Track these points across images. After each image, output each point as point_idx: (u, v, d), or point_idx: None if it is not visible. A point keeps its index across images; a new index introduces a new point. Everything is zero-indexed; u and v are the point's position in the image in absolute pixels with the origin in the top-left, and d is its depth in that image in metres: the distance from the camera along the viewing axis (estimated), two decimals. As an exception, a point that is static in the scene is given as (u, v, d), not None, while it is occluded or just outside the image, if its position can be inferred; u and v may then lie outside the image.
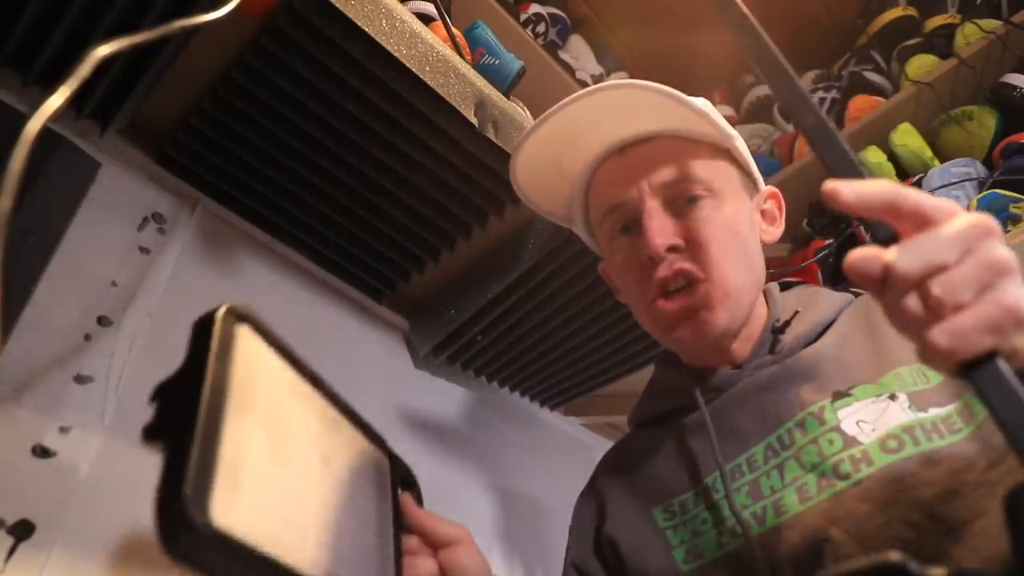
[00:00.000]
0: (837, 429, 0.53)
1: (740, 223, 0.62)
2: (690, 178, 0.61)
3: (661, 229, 0.59)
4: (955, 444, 0.48)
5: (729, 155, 0.65)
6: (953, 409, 0.50)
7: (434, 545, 0.57)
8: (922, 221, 0.35)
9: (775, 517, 0.52)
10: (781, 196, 0.69)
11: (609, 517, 0.66)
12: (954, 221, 0.35)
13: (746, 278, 0.61)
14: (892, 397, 0.53)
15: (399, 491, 0.55)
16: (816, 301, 0.65)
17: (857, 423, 0.52)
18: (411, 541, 0.56)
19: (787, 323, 0.63)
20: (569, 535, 0.76)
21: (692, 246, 0.59)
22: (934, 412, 0.51)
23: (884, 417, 0.52)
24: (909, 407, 0.52)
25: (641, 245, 0.60)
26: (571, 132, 0.64)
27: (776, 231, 0.67)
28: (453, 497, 1.18)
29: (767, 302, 0.67)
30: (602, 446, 1.62)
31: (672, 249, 0.59)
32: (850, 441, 0.51)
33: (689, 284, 0.58)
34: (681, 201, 0.60)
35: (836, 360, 0.58)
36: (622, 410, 1.49)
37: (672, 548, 0.58)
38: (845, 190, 0.35)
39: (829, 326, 0.62)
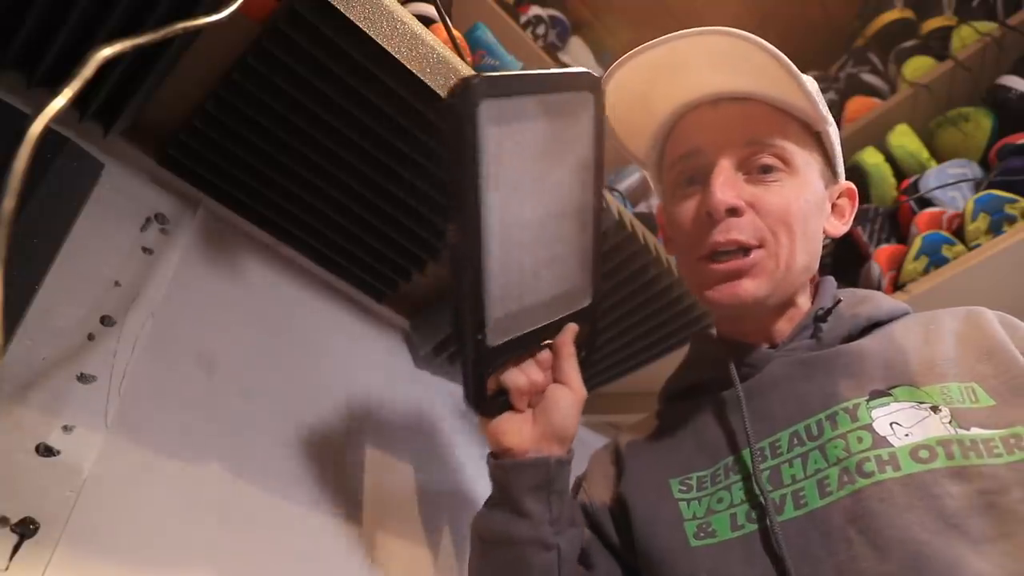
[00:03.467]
0: (869, 428, 0.51)
1: (807, 205, 0.60)
2: (771, 147, 0.60)
3: (726, 187, 0.58)
4: (992, 466, 0.46)
5: (819, 140, 0.64)
6: (998, 434, 0.48)
7: (556, 376, 0.60)
8: None
9: (794, 509, 0.51)
10: (857, 195, 0.69)
11: (625, 477, 0.65)
12: None
13: (799, 260, 0.60)
14: (935, 409, 0.51)
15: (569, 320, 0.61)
16: (869, 300, 0.64)
17: (891, 424, 0.51)
18: (544, 353, 0.59)
19: (829, 311, 0.62)
20: (581, 480, 0.74)
21: (753, 213, 0.59)
22: (976, 432, 0.48)
23: (921, 426, 0.50)
24: (950, 423, 0.49)
25: (704, 198, 0.60)
26: (670, 67, 0.63)
27: (842, 227, 0.67)
28: (453, 497, 1.18)
29: (818, 291, 0.66)
30: (602, 445, 1.63)
31: (732, 211, 0.58)
32: (880, 441, 0.50)
33: (740, 251, 0.59)
34: (755, 167, 0.60)
35: (880, 360, 0.56)
36: (622, 410, 1.49)
37: (684, 520, 0.57)
38: None
39: (877, 327, 0.61)
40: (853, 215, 0.68)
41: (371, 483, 1.04)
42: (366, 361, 1.15)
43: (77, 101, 0.48)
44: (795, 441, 0.54)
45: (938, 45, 1.36)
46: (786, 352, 0.61)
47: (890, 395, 0.53)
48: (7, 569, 0.64)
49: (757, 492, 0.53)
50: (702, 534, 0.55)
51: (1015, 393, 0.50)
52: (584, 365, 0.64)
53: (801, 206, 0.60)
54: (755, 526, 0.52)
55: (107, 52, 0.51)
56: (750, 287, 0.59)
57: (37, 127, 0.46)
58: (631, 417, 1.56)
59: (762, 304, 0.60)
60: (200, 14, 0.64)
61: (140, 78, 0.80)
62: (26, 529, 0.66)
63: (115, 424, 0.77)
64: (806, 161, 0.63)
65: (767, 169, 0.60)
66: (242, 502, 0.86)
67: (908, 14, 1.54)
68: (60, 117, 0.47)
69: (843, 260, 1.24)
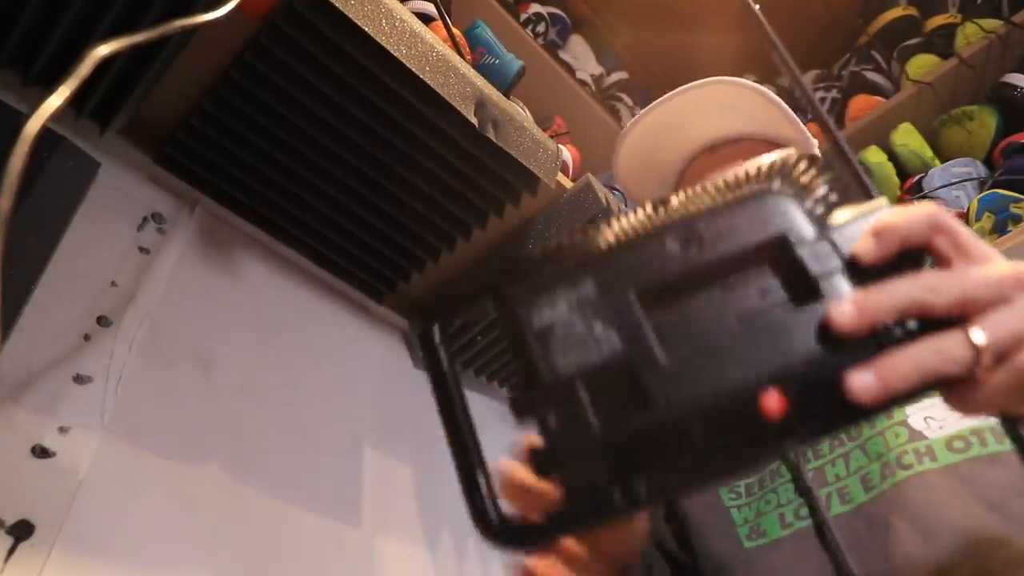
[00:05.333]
0: (904, 423, 0.54)
1: None
2: None
3: None
4: None
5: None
6: None
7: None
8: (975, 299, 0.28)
9: (840, 504, 0.53)
10: None
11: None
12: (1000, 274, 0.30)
13: None
14: None
15: None
16: None
17: (925, 419, 0.53)
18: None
19: None
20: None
21: None
22: None
23: (953, 417, 0.52)
24: None
25: None
26: (668, 127, 0.70)
27: None
28: (453, 498, 1.18)
29: None
30: (602, 446, 1.62)
31: None
32: (916, 435, 0.52)
33: None
34: None
35: None
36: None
37: (736, 526, 0.59)
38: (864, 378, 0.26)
39: None
40: None
41: (370, 483, 1.03)
42: (365, 361, 1.15)
43: (73, 99, 0.47)
44: (835, 443, 0.57)
45: (942, 43, 1.35)
46: None
47: None
48: (3, 572, 0.63)
49: (793, 496, 0.56)
50: (754, 535, 0.57)
51: None
52: None
53: None
54: (804, 522, 0.54)
55: (104, 50, 0.51)
56: None
57: (34, 126, 0.45)
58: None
59: None
60: (197, 12, 0.63)
61: (137, 76, 0.79)
62: (22, 531, 0.66)
63: (111, 425, 0.76)
64: None
65: None
66: (239, 503, 0.85)
67: (912, 11, 1.53)
68: (56, 116, 0.46)
69: (845, 260, 1.24)
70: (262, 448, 0.91)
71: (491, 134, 0.88)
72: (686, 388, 0.27)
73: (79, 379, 0.76)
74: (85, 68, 0.49)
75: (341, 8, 0.72)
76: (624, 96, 1.64)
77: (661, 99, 0.69)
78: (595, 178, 0.99)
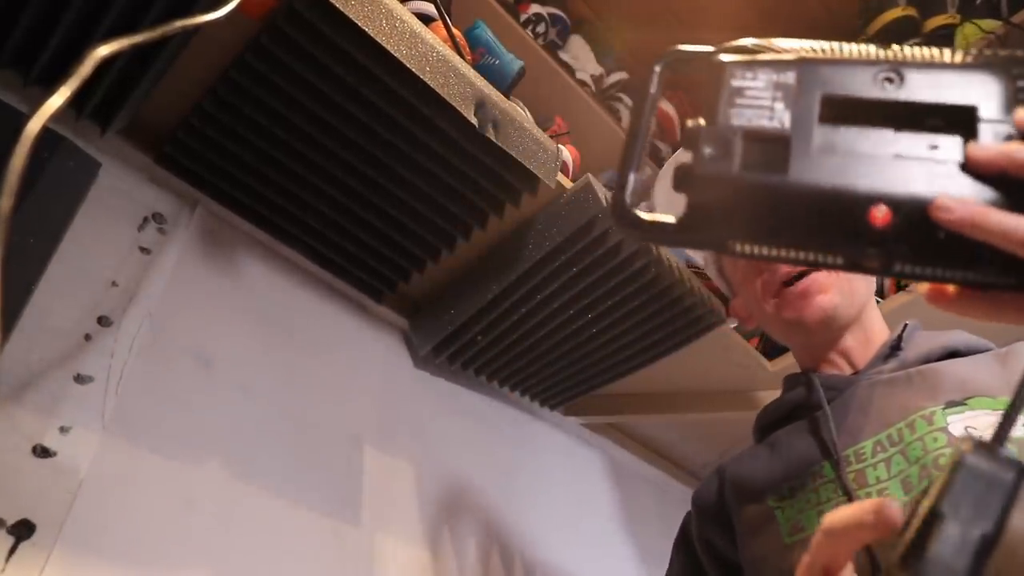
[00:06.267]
0: (944, 430, 0.55)
1: None
2: None
3: None
4: None
5: None
6: None
7: None
8: None
9: None
10: None
11: (728, 489, 0.72)
12: None
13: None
14: None
15: None
16: (951, 333, 0.69)
17: (965, 428, 0.55)
18: None
19: (900, 336, 0.69)
20: (688, 521, 0.80)
21: None
22: None
23: (993, 429, 0.52)
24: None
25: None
26: None
27: None
28: (453, 497, 1.18)
29: (891, 327, 0.73)
30: (602, 446, 1.62)
31: None
32: (953, 441, 0.54)
33: (804, 273, 0.67)
34: None
35: (957, 377, 0.61)
36: (622, 410, 1.49)
37: (780, 525, 0.63)
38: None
39: (956, 355, 0.66)
40: None
41: (370, 483, 1.03)
42: (365, 361, 1.15)
43: (74, 100, 0.47)
44: (878, 449, 0.59)
45: (941, 43, 1.35)
46: (869, 376, 0.66)
47: (965, 404, 0.57)
48: (3, 572, 0.64)
49: (832, 495, 0.59)
50: (794, 531, 0.61)
51: None
52: None
53: None
54: None
55: (105, 51, 0.51)
56: (825, 299, 0.66)
57: (34, 126, 0.45)
58: (631, 418, 1.56)
59: (840, 315, 0.67)
60: (198, 12, 0.63)
61: (138, 77, 0.79)
62: (22, 531, 0.66)
63: (112, 425, 0.76)
64: None
65: None
66: (240, 503, 0.85)
67: (911, 12, 1.53)
68: (57, 116, 0.46)
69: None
70: (262, 448, 0.91)
71: (491, 134, 0.88)
72: (821, 174, 0.31)
73: (79, 379, 0.76)
74: (86, 68, 0.49)
75: (341, 8, 0.72)
76: (624, 96, 1.64)
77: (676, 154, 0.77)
78: (595, 178, 0.99)
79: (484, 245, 1.08)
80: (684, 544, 0.78)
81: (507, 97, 0.97)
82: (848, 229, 0.30)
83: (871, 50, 0.34)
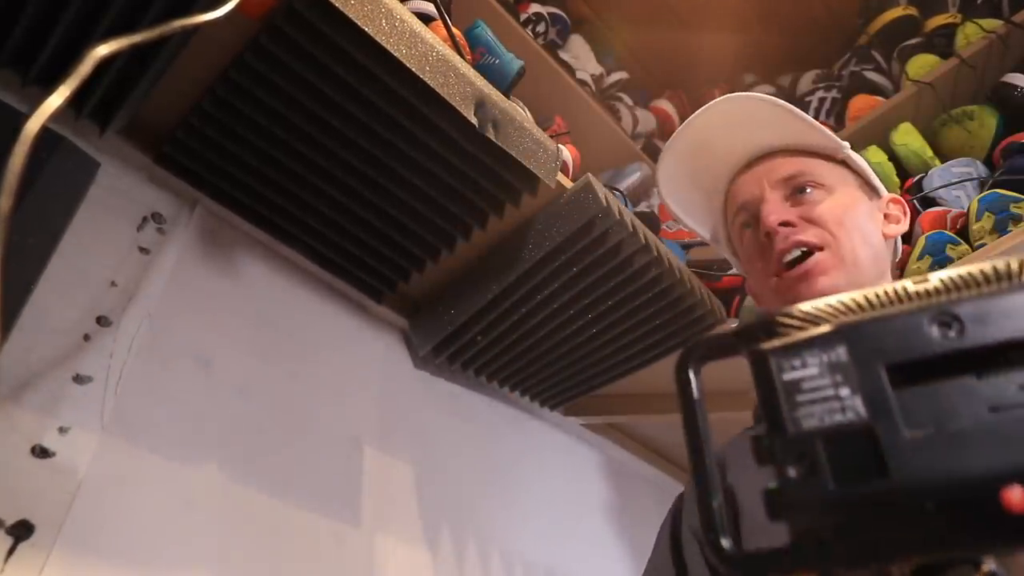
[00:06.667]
0: None
1: (854, 208, 0.69)
2: (803, 173, 0.70)
3: (774, 209, 0.67)
4: None
5: (845, 165, 0.73)
6: None
7: None
8: None
9: None
10: (903, 201, 0.76)
11: (731, 474, 0.68)
12: None
13: (862, 254, 0.66)
14: None
15: None
16: None
17: None
18: None
19: None
20: (678, 508, 0.75)
21: (806, 222, 0.66)
22: None
23: None
24: None
25: (760, 228, 0.68)
26: (703, 147, 0.74)
27: (900, 228, 0.74)
28: (453, 497, 1.18)
29: None
30: (602, 446, 1.62)
31: (785, 224, 0.66)
32: None
33: (806, 255, 0.65)
34: (795, 192, 0.69)
35: None
36: (622, 410, 1.49)
37: None
38: None
39: None
40: (908, 216, 0.75)
41: (370, 483, 1.03)
42: (365, 361, 1.15)
43: (73, 99, 0.47)
44: None
45: (942, 43, 1.34)
46: None
47: None
48: (3, 572, 0.63)
49: None
50: None
51: None
52: None
53: (849, 208, 0.68)
54: None
55: (104, 50, 0.51)
56: (826, 280, 0.64)
57: (34, 125, 0.45)
58: (631, 418, 1.55)
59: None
60: (197, 12, 0.63)
61: (137, 76, 0.79)
62: (22, 531, 0.66)
63: (111, 425, 0.76)
64: (841, 179, 0.71)
65: (803, 189, 0.69)
66: (239, 503, 0.85)
67: (912, 11, 1.53)
68: (56, 115, 0.46)
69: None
70: (262, 448, 0.91)
71: (491, 134, 0.88)
72: (926, 463, 0.27)
73: (79, 379, 0.76)
74: (85, 68, 0.49)
75: (341, 8, 0.72)
76: (624, 96, 1.64)
77: (692, 116, 0.74)
78: (595, 178, 0.99)
79: (484, 245, 1.08)
80: (672, 534, 0.73)
81: (507, 97, 0.97)
82: (983, 523, 0.26)
83: (908, 288, 0.30)
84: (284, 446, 0.94)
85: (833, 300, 0.31)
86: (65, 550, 0.68)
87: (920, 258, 1.05)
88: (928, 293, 0.30)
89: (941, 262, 1.03)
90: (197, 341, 0.90)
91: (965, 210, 1.07)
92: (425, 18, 0.94)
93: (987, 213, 1.02)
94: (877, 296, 0.31)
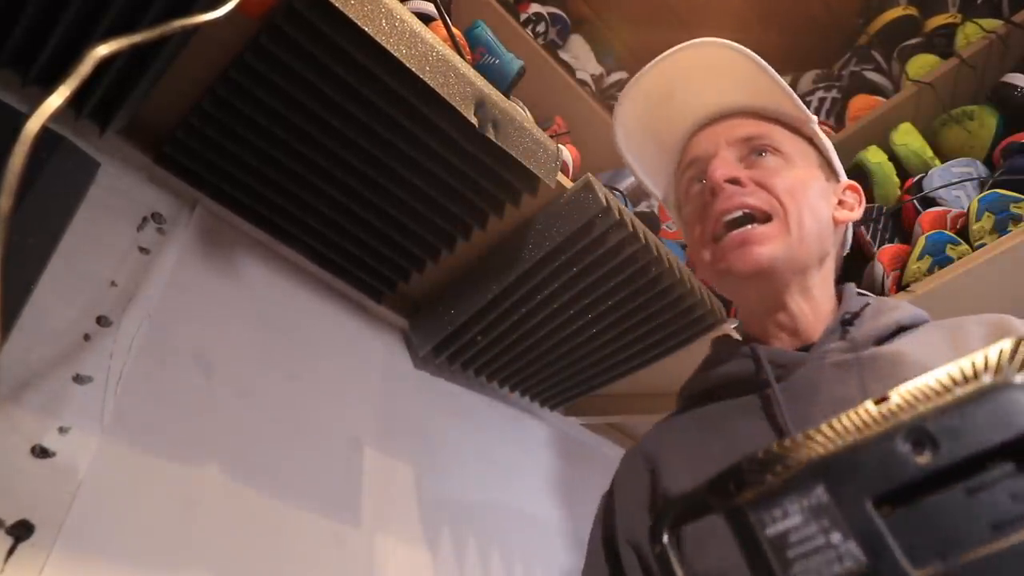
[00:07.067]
0: None
1: (807, 182, 0.64)
2: (763, 136, 0.66)
3: (723, 164, 0.63)
4: None
5: (810, 141, 0.69)
6: None
7: None
8: None
9: None
10: (861, 189, 0.73)
11: (663, 479, 0.62)
12: None
13: (810, 230, 0.62)
14: None
15: None
16: (894, 307, 0.64)
17: None
18: None
19: (856, 315, 0.62)
20: (608, 512, 0.68)
21: (756, 186, 0.62)
22: None
23: None
24: None
25: (706, 183, 0.64)
26: (668, 93, 0.69)
27: (853, 216, 0.70)
28: (453, 498, 1.18)
29: (841, 297, 0.67)
30: (602, 446, 1.62)
31: (733, 181, 0.62)
32: None
33: (749, 219, 0.61)
34: (752, 154, 0.65)
35: (918, 364, 0.55)
36: (622, 410, 1.49)
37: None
38: None
39: (904, 331, 0.61)
40: (863, 207, 0.71)
41: (370, 484, 1.03)
42: (365, 361, 1.15)
43: (73, 99, 0.47)
44: None
45: (942, 43, 1.34)
46: (819, 355, 0.60)
47: None
48: (3, 572, 0.63)
49: None
50: None
51: None
52: None
53: (804, 182, 0.64)
54: None
55: (104, 50, 0.51)
56: (764, 251, 0.60)
57: (33, 125, 0.45)
58: (631, 418, 1.55)
59: (778, 270, 0.60)
60: (197, 12, 0.63)
61: (137, 76, 0.79)
62: (21, 531, 0.66)
63: (111, 425, 0.76)
64: (802, 153, 0.67)
65: (761, 153, 0.64)
66: (239, 504, 0.85)
67: (912, 11, 1.53)
68: (56, 115, 0.46)
69: (846, 260, 1.24)
70: (262, 448, 0.91)
71: (491, 134, 0.88)
72: None
73: (79, 379, 0.76)
74: (85, 68, 0.49)
75: (341, 8, 0.72)
76: (624, 96, 1.64)
77: (657, 59, 0.68)
78: (595, 178, 0.99)
79: (484, 245, 1.08)
80: (605, 541, 0.65)
81: (507, 97, 0.97)
82: None
83: (871, 411, 0.29)
84: (284, 446, 0.94)
85: (799, 436, 0.29)
86: (65, 550, 0.68)
87: (920, 258, 1.05)
88: (892, 413, 0.28)
89: (941, 262, 1.03)
90: (197, 341, 0.90)
91: (965, 210, 1.07)
92: (425, 18, 0.94)
93: (987, 213, 1.02)
94: (842, 424, 0.29)
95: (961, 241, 1.04)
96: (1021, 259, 0.94)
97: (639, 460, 0.67)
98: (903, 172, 1.26)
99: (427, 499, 1.11)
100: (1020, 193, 1.01)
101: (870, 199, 1.26)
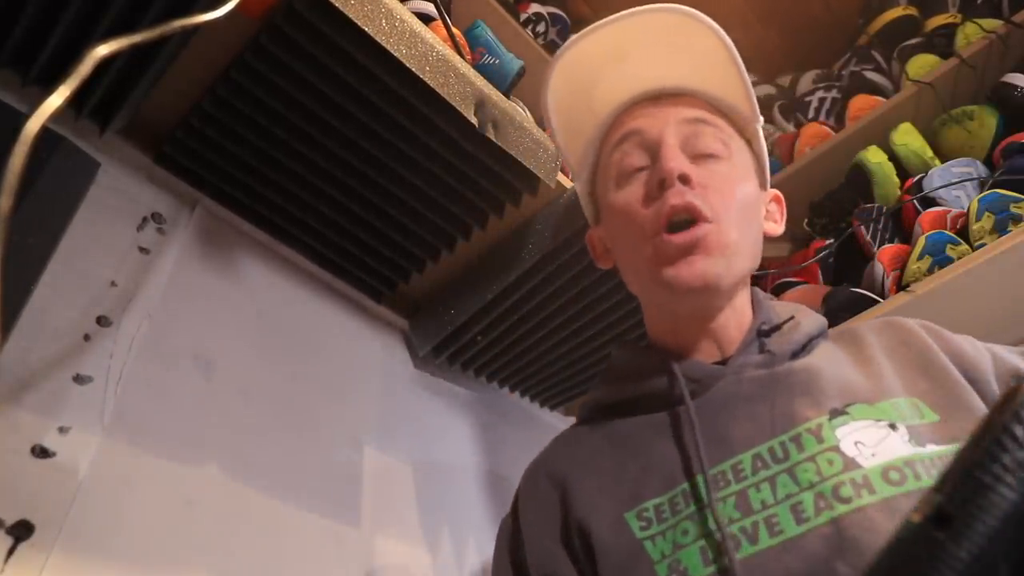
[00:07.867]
0: (836, 449, 0.49)
1: (747, 193, 0.61)
2: (712, 124, 0.61)
3: (676, 157, 0.58)
4: None
5: (748, 143, 0.65)
6: (949, 450, 0.48)
7: None
8: None
9: (769, 537, 0.47)
10: (783, 200, 0.69)
11: (576, 504, 0.57)
12: None
13: (744, 241, 0.59)
14: (892, 427, 0.50)
15: None
16: (801, 313, 0.63)
17: (855, 444, 0.49)
18: None
19: (776, 328, 0.60)
20: (515, 539, 0.62)
21: (702, 190, 0.57)
22: (932, 449, 0.48)
23: (884, 445, 0.48)
24: (909, 440, 0.49)
25: (655, 170, 0.58)
26: (614, 56, 0.63)
27: (779, 228, 0.67)
28: (453, 498, 1.18)
29: (754, 304, 0.64)
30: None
31: (684, 179, 0.57)
32: (850, 463, 0.48)
33: (693, 223, 0.56)
34: (698, 152, 0.60)
35: (832, 377, 0.55)
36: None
37: (654, 563, 0.50)
38: None
39: (814, 341, 0.61)
40: (784, 220, 0.68)
41: (370, 484, 1.03)
42: (365, 361, 1.15)
43: (73, 99, 0.47)
44: (759, 464, 0.51)
45: (942, 43, 1.34)
46: (736, 368, 0.58)
47: (847, 413, 0.51)
48: (3, 572, 0.63)
49: (714, 527, 0.48)
50: (674, 574, 0.49)
51: (955, 406, 0.51)
52: None
53: (743, 190, 0.60)
54: (727, 558, 0.46)
55: (104, 50, 0.51)
56: (708, 264, 0.56)
57: (33, 125, 0.45)
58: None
59: (721, 286, 0.57)
60: (197, 12, 0.63)
61: (137, 76, 0.79)
62: (22, 531, 0.66)
63: (111, 425, 0.76)
64: (740, 151, 0.63)
65: (710, 155, 0.60)
66: (240, 504, 0.85)
67: (912, 11, 1.53)
68: (56, 115, 0.46)
69: (846, 260, 1.24)
70: (262, 448, 0.91)
71: (491, 134, 0.88)
72: None
73: (79, 379, 0.76)
74: (85, 68, 0.49)
75: (341, 8, 0.72)
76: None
77: (605, 20, 0.62)
78: (595, 178, 0.99)
79: (484, 245, 1.08)
80: (515, 566, 0.60)
81: (507, 97, 0.97)
82: None
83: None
84: (284, 446, 0.94)
85: None
86: (65, 550, 0.68)
87: (920, 258, 1.05)
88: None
89: (941, 262, 1.03)
90: (197, 341, 0.90)
91: (965, 210, 1.07)
92: (425, 18, 0.94)
93: (987, 213, 1.02)
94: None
95: (961, 241, 1.04)
96: (1021, 259, 0.94)
97: (544, 480, 0.62)
98: (903, 172, 1.26)
99: (427, 499, 1.11)
100: (1020, 193, 1.01)
101: (870, 199, 1.26)
